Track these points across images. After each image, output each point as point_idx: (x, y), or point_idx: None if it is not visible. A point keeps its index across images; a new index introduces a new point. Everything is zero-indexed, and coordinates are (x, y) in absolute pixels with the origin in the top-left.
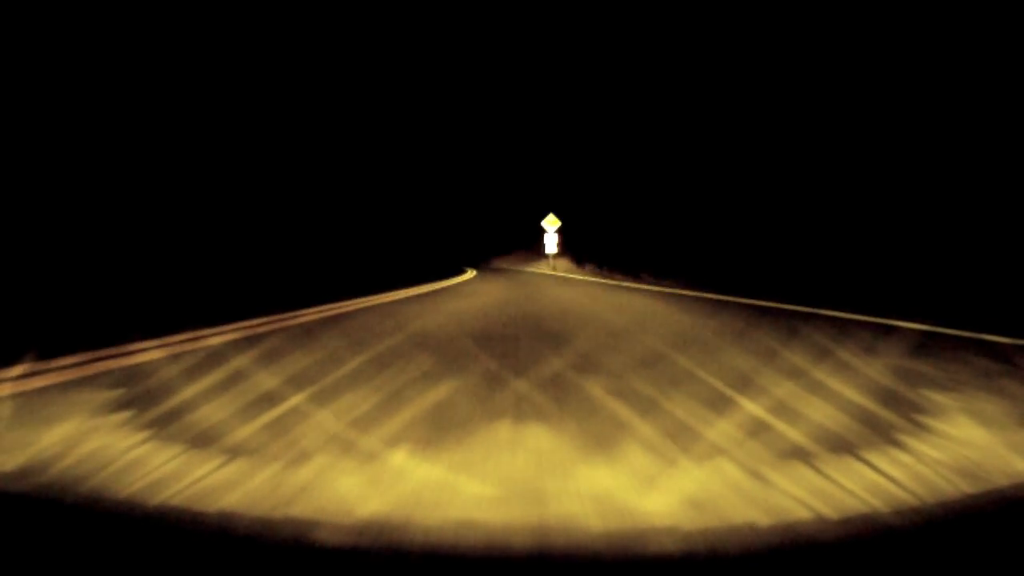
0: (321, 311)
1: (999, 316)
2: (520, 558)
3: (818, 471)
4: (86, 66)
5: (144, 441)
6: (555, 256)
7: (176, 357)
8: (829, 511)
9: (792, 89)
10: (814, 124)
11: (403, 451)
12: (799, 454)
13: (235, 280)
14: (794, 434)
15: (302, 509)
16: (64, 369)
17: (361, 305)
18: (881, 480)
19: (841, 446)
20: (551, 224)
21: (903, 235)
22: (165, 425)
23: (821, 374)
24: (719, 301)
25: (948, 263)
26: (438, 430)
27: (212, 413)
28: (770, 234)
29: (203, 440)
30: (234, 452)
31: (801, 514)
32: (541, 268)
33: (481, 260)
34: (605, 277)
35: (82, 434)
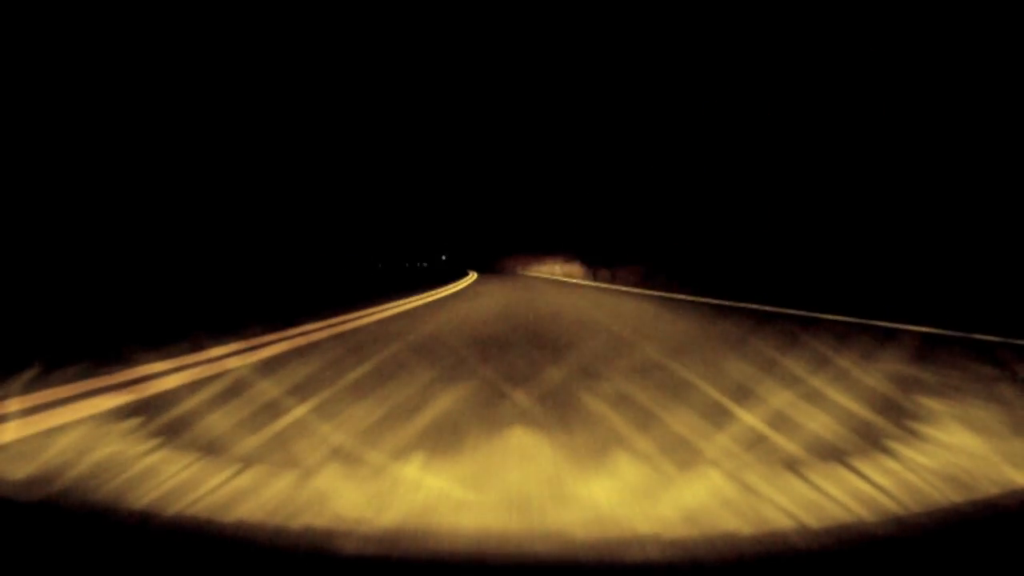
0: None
1: (997, 317)
2: (514, 565)
3: (808, 481)
4: (106, 87)
5: None
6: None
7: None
8: (815, 521)
9: (791, 93)
10: (813, 129)
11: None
12: (789, 463)
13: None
14: (786, 443)
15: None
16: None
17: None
18: (870, 489)
19: (832, 455)
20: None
21: (902, 237)
22: None
23: (818, 382)
24: (719, 306)
25: (947, 265)
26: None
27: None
28: (767, 238)
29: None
30: None
31: (787, 524)
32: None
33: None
34: (604, 282)
35: None
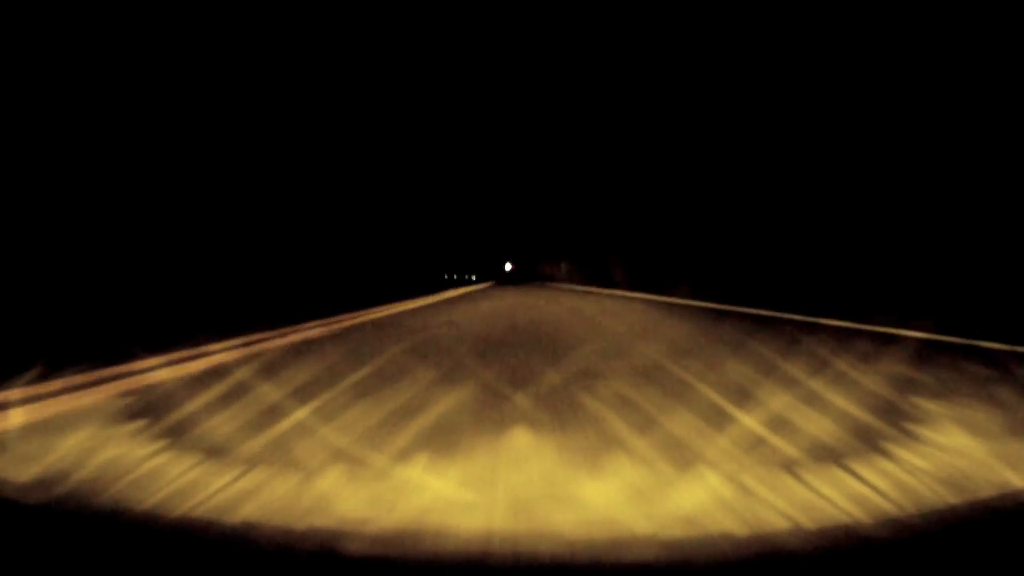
0: None
1: (997, 323)
2: (507, 565)
3: (803, 482)
4: (106, 82)
5: None
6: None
7: None
8: (811, 523)
9: (790, 96)
10: (811, 130)
11: None
12: (786, 465)
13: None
14: (783, 445)
15: None
16: None
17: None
18: (866, 491)
19: (828, 456)
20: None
21: (902, 241)
22: None
23: (816, 384)
24: (714, 310)
25: (947, 269)
26: None
27: None
28: (764, 242)
29: None
30: None
31: (783, 525)
32: None
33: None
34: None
35: None
